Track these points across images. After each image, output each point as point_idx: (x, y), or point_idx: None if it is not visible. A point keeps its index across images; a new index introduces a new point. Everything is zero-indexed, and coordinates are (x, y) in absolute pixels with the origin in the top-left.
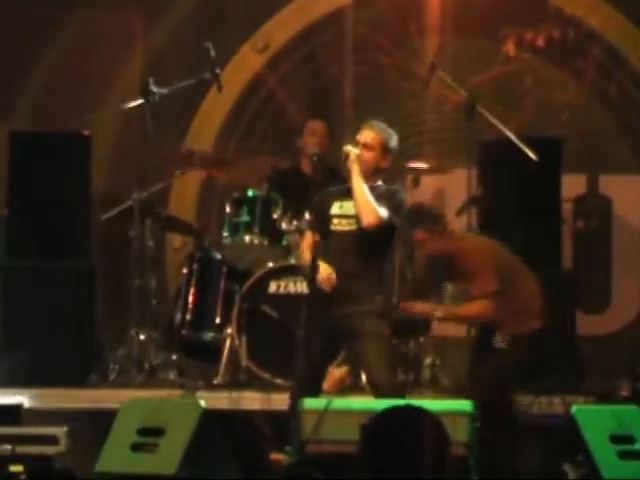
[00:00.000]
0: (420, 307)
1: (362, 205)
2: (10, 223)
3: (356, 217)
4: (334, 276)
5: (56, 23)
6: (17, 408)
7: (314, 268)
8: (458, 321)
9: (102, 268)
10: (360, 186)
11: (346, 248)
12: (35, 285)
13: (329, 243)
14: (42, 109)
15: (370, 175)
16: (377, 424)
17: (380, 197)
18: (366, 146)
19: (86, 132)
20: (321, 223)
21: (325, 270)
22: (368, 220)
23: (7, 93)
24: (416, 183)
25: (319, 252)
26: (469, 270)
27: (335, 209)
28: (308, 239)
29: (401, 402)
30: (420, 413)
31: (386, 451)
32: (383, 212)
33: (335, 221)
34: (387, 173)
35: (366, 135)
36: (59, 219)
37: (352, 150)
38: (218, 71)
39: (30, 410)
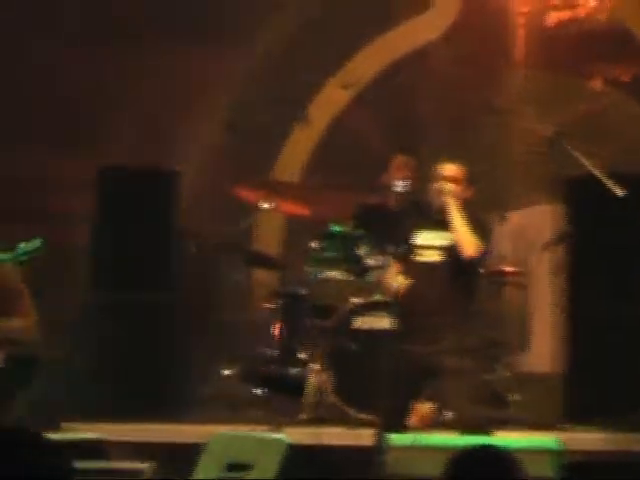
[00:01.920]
0: None
1: (463, 238)
2: (97, 258)
3: (445, 249)
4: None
5: (144, 58)
6: (102, 442)
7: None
8: None
9: (188, 303)
10: (460, 219)
11: (431, 280)
12: (120, 319)
13: (413, 274)
14: (130, 144)
15: (463, 207)
16: (461, 461)
17: (475, 230)
18: (452, 180)
19: (173, 168)
20: (405, 254)
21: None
22: (469, 252)
23: (96, 128)
24: (502, 219)
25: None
26: None
27: (421, 240)
28: (394, 269)
29: (485, 439)
30: (503, 453)
31: None
32: (480, 245)
33: (421, 252)
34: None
35: (450, 169)
36: (146, 253)
37: (446, 185)
38: (306, 106)
39: (115, 444)
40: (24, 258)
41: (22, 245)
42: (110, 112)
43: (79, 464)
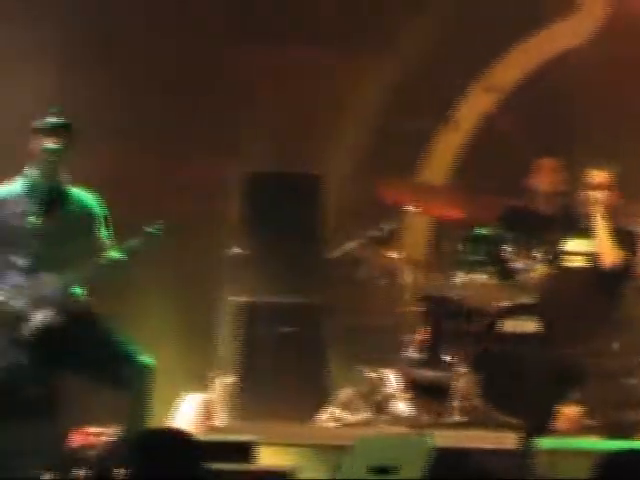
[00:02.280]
0: None
1: (604, 246)
2: (244, 262)
3: (591, 255)
4: None
5: (289, 60)
6: (249, 444)
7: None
8: None
9: (333, 306)
10: (603, 228)
11: (577, 285)
12: (267, 322)
13: (559, 278)
14: (274, 148)
15: (609, 215)
16: (608, 465)
17: (620, 238)
18: (599, 187)
19: (318, 172)
20: (553, 259)
21: None
22: (608, 261)
23: (240, 132)
24: None
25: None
26: None
27: (568, 245)
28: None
29: (631, 444)
30: None
31: None
32: (621, 254)
33: (567, 257)
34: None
35: (597, 176)
36: (291, 258)
37: (593, 194)
38: (451, 110)
39: (263, 446)
40: (145, 245)
41: (144, 232)
42: (254, 114)
43: (227, 466)
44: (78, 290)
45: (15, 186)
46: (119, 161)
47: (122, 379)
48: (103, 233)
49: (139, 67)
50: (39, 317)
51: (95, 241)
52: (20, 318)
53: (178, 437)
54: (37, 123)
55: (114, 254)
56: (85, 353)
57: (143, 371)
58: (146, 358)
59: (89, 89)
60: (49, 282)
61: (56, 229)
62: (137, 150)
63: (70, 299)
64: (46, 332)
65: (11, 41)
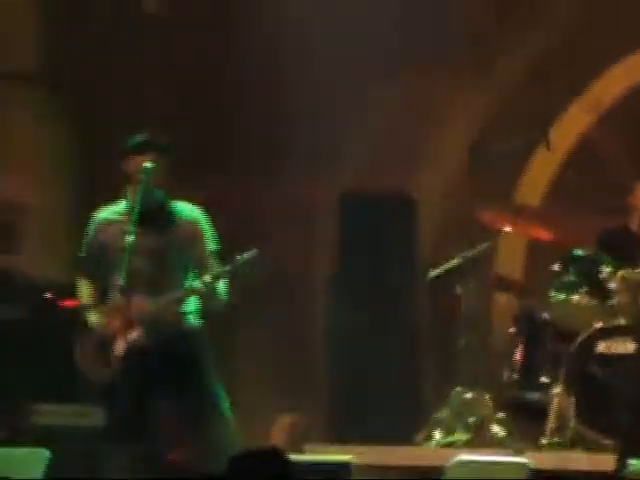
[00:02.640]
0: None
1: None
2: (339, 283)
3: None
4: None
5: (384, 81)
6: (346, 465)
7: None
8: None
9: (428, 326)
10: None
11: None
12: (363, 344)
13: None
14: (370, 170)
15: None
16: None
17: None
18: None
19: (414, 193)
20: None
21: None
22: None
23: (336, 154)
24: None
25: None
26: None
27: None
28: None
29: None
30: None
31: None
32: None
33: None
34: None
35: None
36: (386, 278)
37: None
38: (548, 130)
39: (360, 467)
40: (241, 271)
41: (239, 257)
42: (350, 136)
43: None
44: (188, 313)
45: (118, 207)
46: (218, 184)
47: (203, 416)
48: (210, 246)
49: (236, 89)
50: (132, 337)
51: (200, 255)
52: (115, 338)
53: (274, 457)
54: (129, 143)
55: (206, 279)
56: (172, 378)
57: (222, 418)
58: (227, 407)
59: (186, 110)
60: (142, 303)
61: (155, 248)
62: (236, 172)
63: (170, 320)
64: (138, 352)
65: None
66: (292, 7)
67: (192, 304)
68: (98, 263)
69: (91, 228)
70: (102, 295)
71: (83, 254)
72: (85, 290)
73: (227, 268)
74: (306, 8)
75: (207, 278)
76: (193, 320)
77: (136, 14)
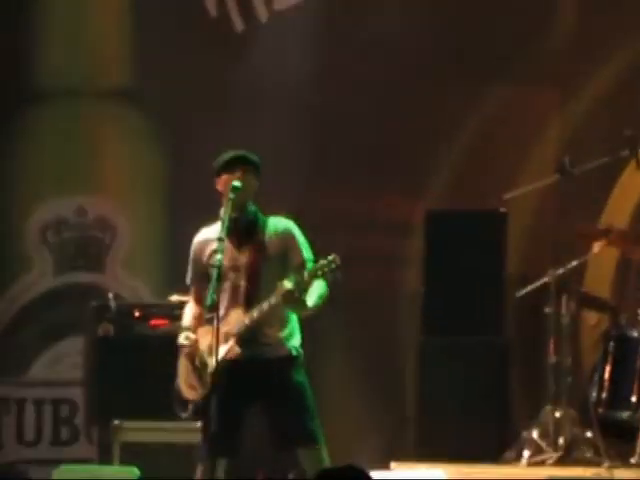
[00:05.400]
0: None
1: None
2: (426, 300)
3: None
4: None
5: (471, 98)
6: None
7: None
8: None
9: (516, 344)
10: None
11: None
12: (450, 362)
13: None
14: (457, 185)
15: None
16: None
17: None
18: None
19: (502, 210)
20: None
21: None
22: None
23: (422, 170)
24: None
25: None
26: None
27: None
28: None
29: None
30: None
31: None
32: None
33: None
34: None
35: None
36: (474, 296)
37: None
38: (638, 147)
39: None
40: (319, 273)
41: (321, 260)
42: (435, 150)
43: None
44: (289, 338)
45: (216, 227)
46: (305, 195)
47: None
48: (305, 255)
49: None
50: (225, 351)
51: (296, 265)
52: (208, 355)
53: (353, 475)
54: (218, 162)
55: (287, 284)
56: (262, 397)
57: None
58: (320, 433)
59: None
60: (239, 316)
61: (250, 262)
62: (322, 184)
63: (270, 341)
64: (231, 366)
65: None
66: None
67: (295, 334)
68: (202, 284)
69: (191, 252)
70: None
71: (191, 279)
72: (188, 312)
73: (307, 269)
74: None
75: (296, 277)
76: (293, 345)
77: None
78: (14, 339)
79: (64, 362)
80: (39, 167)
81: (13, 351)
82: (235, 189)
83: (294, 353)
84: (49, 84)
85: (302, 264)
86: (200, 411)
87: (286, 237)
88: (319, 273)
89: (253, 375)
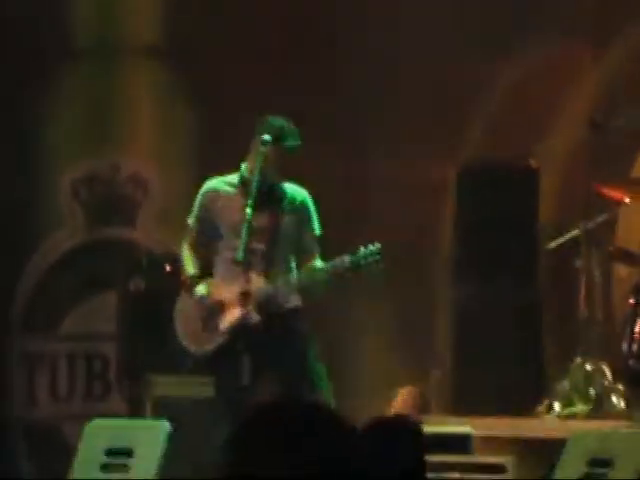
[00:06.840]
0: None
1: None
2: (459, 255)
3: None
4: None
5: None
6: (467, 437)
7: None
8: None
9: (547, 298)
10: None
11: None
12: (483, 315)
13: None
14: (490, 139)
15: None
16: None
17: None
18: None
19: (534, 164)
20: None
21: None
22: None
23: (454, 128)
24: None
25: None
26: None
27: None
28: None
29: None
30: None
31: None
32: None
33: None
34: None
35: None
36: (507, 250)
37: None
38: None
39: (480, 439)
40: (363, 262)
41: (362, 250)
42: (463, 108)
43: (443, 457)
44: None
45: (229, 179)
46: (332, 162)
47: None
48: (315, 231)
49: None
50: (237, 313)
51: (306, 239)
52: (224, 310)
53: (407, 426)
54: (260, 126)
55: (319, 265)
56: (276, 361)
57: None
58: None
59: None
60: (256, 280)
61: (268, 226)
62: (350, 150)
63: (277, 302)
64: (242, 329)
65: None
66: None
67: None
68: (207, 233)
69: (201, 197)
70: (206, 266)
71: (194, 223)
72: (190, 260)
73: (348, 259)
74: None
75: (327, 266)
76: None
77: None
78: (46, 294)
79: (97, 317)
80: (72, 124)
81: (45, 306)
82: (264, 142)
83: (302, 326)
84: (83, 42)
85: (313, 239)
86: (208, 367)
87: (302, 209)
88: (362, 263)
89: (266, 339)
